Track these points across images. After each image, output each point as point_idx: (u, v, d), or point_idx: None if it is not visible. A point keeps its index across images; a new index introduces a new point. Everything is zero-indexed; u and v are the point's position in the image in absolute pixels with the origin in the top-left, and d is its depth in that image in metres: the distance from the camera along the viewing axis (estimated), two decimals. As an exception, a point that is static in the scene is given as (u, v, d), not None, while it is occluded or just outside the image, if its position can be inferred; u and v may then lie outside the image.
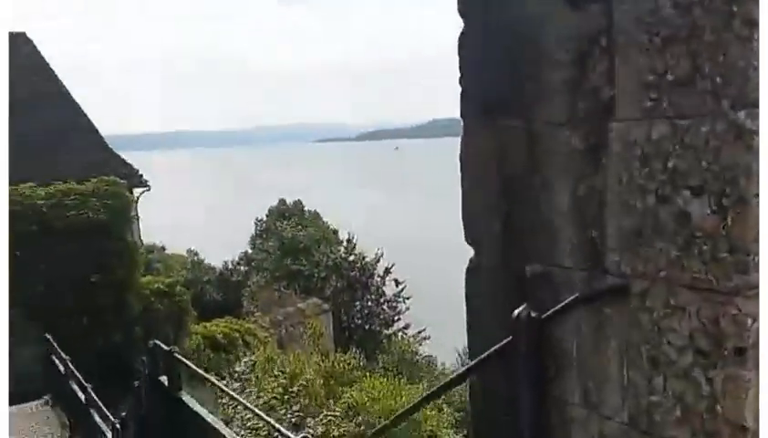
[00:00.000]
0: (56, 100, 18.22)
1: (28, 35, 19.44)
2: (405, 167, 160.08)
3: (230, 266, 25.04)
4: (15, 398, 11.37)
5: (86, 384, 9.65)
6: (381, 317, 23.70)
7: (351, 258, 24.71)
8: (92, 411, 9.05)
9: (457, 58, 2.25)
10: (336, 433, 10.34)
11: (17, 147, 14.81)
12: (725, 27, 1.49)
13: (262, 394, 11.90)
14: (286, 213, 29.79)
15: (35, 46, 19.12)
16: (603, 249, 1.84)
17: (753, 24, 1.45)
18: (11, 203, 14.18)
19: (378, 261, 24.65)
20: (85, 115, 18.82)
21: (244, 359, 14.43)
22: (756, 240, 1.48)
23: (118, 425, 7.40)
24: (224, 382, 12.06)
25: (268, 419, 5.47)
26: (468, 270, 2.34)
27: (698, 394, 1.63)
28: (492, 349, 2.11)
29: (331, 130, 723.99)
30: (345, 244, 26.06)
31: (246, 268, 25.26)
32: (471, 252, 2.34)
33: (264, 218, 30.27)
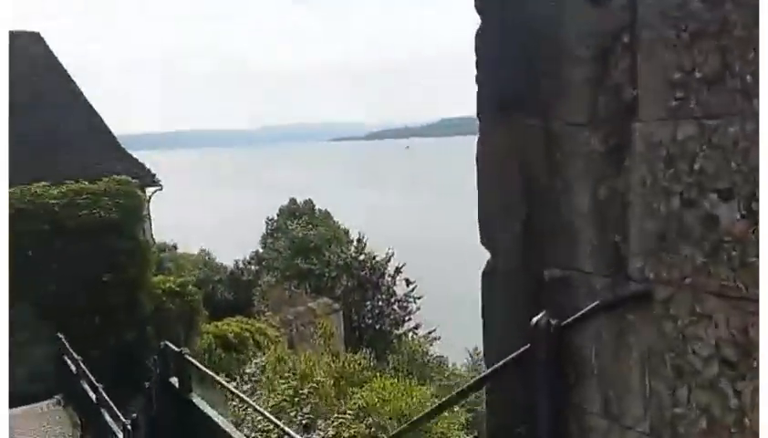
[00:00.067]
0: (69, 100, 18.35)
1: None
2: (416, 166, 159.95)
3: (241, 265, 25.13)
4: (27, 397, 11.45)
5: (97, 384, 9.68)
6: (392, 316, 23.67)
7: (362, 258, 24.72)
8: (103, 410, 9.07)
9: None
10: (346, 435, 10.33)
11: (30, 147, 15.00)
12: (757, 23, 1.43)
13: (272, 396, 11.90)
14: (297, 212, 29.86)
15: (47, 46, 19.23)
16: (625, 254, 1.77)
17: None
18: (23, 202, 14.33)
19: (389, 260, 24.63)
20: (98, 115, 18.95)
21: (255, 361, 14.45)
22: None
23: (129, 426, 7.40)
24: (235, 384, 12.07)
25: (277, 421, 5.43)
26: (484, 273, 2.28)
27: (725, 406, 1.56)
28: (510, 356, 2.06)
29: (339, 130, 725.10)
30: (355, 243, 26.06)
31: (257, 267, 25.34)
32: (482, 252, 2.27)
33: (275, 217, 30.34)
